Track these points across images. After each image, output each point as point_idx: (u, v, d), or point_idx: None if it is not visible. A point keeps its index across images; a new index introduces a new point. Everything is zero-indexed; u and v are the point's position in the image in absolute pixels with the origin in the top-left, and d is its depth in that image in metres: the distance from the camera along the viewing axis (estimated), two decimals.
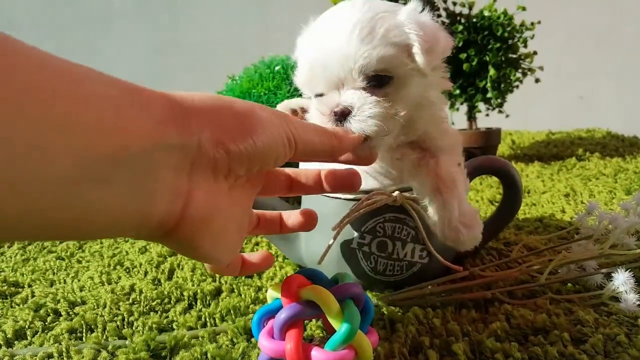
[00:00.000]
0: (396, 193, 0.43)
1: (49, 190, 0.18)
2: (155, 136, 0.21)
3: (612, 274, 0.42)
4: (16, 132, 0.16)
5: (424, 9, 0.39)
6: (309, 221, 0.37)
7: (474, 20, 0.89)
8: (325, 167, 0.36)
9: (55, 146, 0.17)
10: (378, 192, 0.43)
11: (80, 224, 0.20)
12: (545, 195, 0.76)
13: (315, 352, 0.30)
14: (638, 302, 0.40)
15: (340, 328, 0.30)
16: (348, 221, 0.43)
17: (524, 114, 1.37)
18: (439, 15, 0.95)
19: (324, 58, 0.36)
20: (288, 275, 0.50)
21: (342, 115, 0.34)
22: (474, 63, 0.87)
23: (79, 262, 0.58)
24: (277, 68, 0.74)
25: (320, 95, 0.38)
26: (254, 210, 0.36)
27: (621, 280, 0.41)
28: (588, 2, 1.65)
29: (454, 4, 0.95)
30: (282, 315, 0.31)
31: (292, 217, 0.37)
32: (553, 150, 1.10)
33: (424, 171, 0.40)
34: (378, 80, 0.35)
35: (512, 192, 0.50)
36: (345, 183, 0.35)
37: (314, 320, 0.40)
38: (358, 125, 0.34)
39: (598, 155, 1.01)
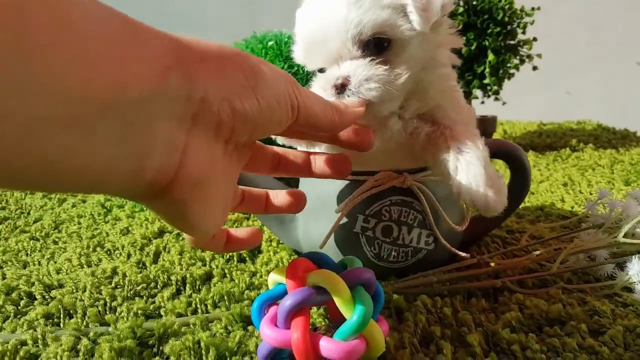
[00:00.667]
0: (404, 174, 0.40)
1: (24, 132, 0.15)
2: (156, 82, 0.18)
3: (624, 265, 0.41)
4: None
5: None
6: (298, 202, 0.35)
7: (474, 2, 0.86)
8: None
9: (35, 82, 0.14)
10: (385, 173, 0.40)
11: (62, 175, 0.17)
12: (543, 184, 0.75)
13: (324, 342, 0.27)
14: None
15: (352, 316, 0.27)
16: (353, 203, 0.40)
17: (516, 104, 1.36)
18: None
19: (319, 31, 0.34)
20: (283, 260, 0.47)
21: (342, 88, 0.33)
22: (472, 47, 0.84)
23: (55, 242, 0.53)
24: (270, 43, 0.70)
25: (322, 70, 0.36)
26: (239, 186, 0.33)
27: (636, 270, 0.40)
28: None
29: None
30: (287, 302, 0.28)
31: (279, 196, 0.35)
32: (546, 141, 1.09)
33: (440, 142, 0.37)
34: (376, 46, 0.33)
35: (520, 177, 0.48)
36: (336, 167, 0.33)
37: (314, 307, 0.37)
38: (356, 94, 0.32)
39: (592, 147, 1.01)
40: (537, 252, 0.45)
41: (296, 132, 0.33)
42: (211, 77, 0.21)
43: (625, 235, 0.45)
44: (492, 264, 0.44)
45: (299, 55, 0.37)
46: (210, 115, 0.21)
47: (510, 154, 0.47)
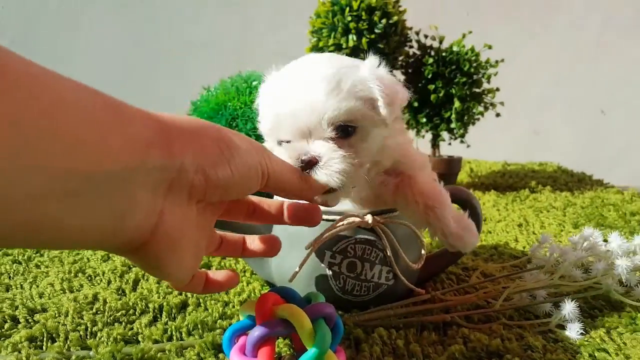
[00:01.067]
0: (368, 216, 0.45)
1: (16, 208, 0.18)
2: (138, 156, 0.22)
3: (560, 304, 0.46)
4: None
5: (380, 63, 0.42)
6: (272, 247, 0.39)
7: (443, 54, 0.94)
8: None
9: (26, 162, 0.17)
10: (352, 214, 0.45)
11: (48, 237, 0.20)
12: (500, 224, 0.81)
13: None
14: (581, 331, 0.44)
15: (312, 349, 0.31)
16: (322, 241, 0.44)
17: (483, 144, 1.44)
18: (411, 47, 1.00)
19: (293, 108, 0.37)
20: (255, 291, 0.51)
21: (309, 164, 0.36)
22: (440, 94, 0.91)
23: (38, 267, 0.56)
24: (254, 83, 0.75)
25: (287, 142, 0.39)
26: (218, 232, 0.37)
27: (568, 309, 0.45)
28: (546, 42, 1.77)
29: (426, 36, 1.00)
30: (255, 333, 0.32)
31: (255, 242, 0.39)
32: (509, 181, 1.17)
33: (407, 192, 0.42)
34: (344, 131, 0.38)
35: (474, 220, 0.53)
36: (306, 217, 0.37)
37: (281, 338, 0.41)
38: (324, 177, 0.36)
39: (549, 189, 1.08)
40: (483, 290, 0.50)
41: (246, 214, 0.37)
42: (188, 149, 0.24)
43: (562, 277, 0.50)
44: (448, 300, 0.49)
45: (267, 127, 0.40)
46: (186, 181, 0.25)
47: (465, 201, 0.52)
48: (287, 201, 0.38)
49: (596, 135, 1.80)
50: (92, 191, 0.20)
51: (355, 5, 0.86)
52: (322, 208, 0.45)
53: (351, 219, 0.45)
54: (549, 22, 1.75)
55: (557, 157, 1.47)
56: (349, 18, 0.87)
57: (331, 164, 0.36)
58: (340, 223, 0.45)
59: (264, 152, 0.30)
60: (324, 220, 0.45)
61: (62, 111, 0.19)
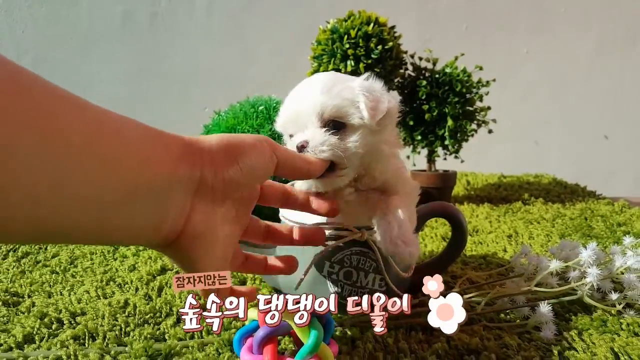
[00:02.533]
0: (362, 230, 0.52)
1: (92, 209, 0.25)
2: (174, 170, 0.30)
3: (536, 307, 0.51)
4: (77, 168, 0.24)
5: (371, 77, 0.49)
6: (290, 266, 0.47)
7: (437, 76, 1.01)
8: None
9: (102, 177, 0.25)
10: (348, 230, 0.52)
11: (110, 234, 0.27)
12: (490, 235, 0.87)
13: None
14: (555, 332, 0.50)
15: (307, 341, 0.38)
16: (322, 252, 0.51)
17: (482, 157, 1.51)
18: (406, 69, 1.06)
19: (296, 107, 0.46)
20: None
21: (302, 149, 0.44)
22: (434, 114, 0.98)
23: (73, 276, 0.63)
24: (260, 108, 0.82)
25: (292, 136, 0.47)
26: (244, 251, 0.44)
27: (541, 312, 0.50)
28: (543, 59, 1.83)
29: (420, 59, 1.07)
30: (260, 333, 0.39)
31: (275, 261, 0.47)
32: (503, 193, 1.22)
33: (377, 209, 0.48)
34: (334, 126, 0.45)
35: (459, 233, 0.59)
36: (311, 237, 0.46)
37: (286, 337, 0.47)
38: (312, 152, 0.43)
39: (542, 201, 1.14)
40: (468, 296, 0.56)
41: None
42: (207, 161, 0.32)
43: (538, 284, 0.56)
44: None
45: (279, 124, 0.49)
46: (206, 186, 0.32)
47: (450, 215, 0.59)
48: (295, 227, 0.46)
49: (595, 148, 1.86)
50: (145, 197, 0.27)
51: (353, 33, 0.93)
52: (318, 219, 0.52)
53: (347, 233, 0.51)
54: (546, 36, 1.82)
55: (555, 169, 1.52)
56: (347, 45, 0.94)
57: (316, 142, 0.43)
58: (339, 238, 0.51)
59: (272, 144, 0.38)
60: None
61: (125, 140, 0.27)
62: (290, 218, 0.52)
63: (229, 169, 0.33)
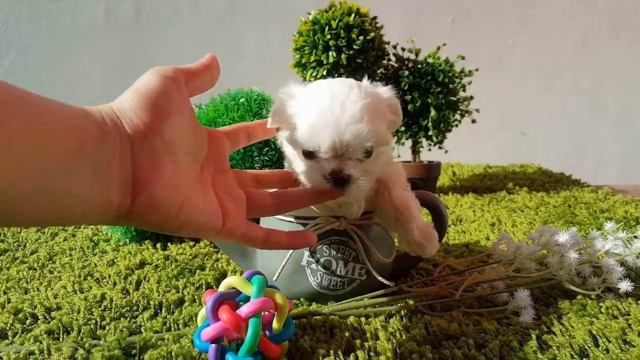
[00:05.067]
0: (341, 219, 0.52)
1: (37, 177, 0.25)
2: (100, 135, 0.29)
3: (514, 293, 0.52)
4: (19, 141, 0.24)
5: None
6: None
7: (419, 66, 1.01)
8: None
9: (41, 146, 0.25)
10: (325, 218, 0.51)
11: (61, 207, 0.27)
12: (474, 223, 0.87)
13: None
14: (533, 317, 0.50)
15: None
16: None
17: (469, 149, 1.51)
18: (389, 60, 1.06)
19: (334, 129, 0.41)
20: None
21: (342, 181, 0.43)
22: (417, 104, 0.98)
23: (51, 272, 0.62)
24: (241, 100, 0.81)
25: (311, 152, 0.43)
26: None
27: (520, 297, 0.51)
28: (530, 50, 1.84)
29: (403, 49, 1.07)
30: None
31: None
32: (487, 183, 1.23)
33: (382, 202, 0.50)
34: (367, 152, 0.44)
35: (439, 221, 0.59)
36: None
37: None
38: (354, 192, 0.44)
39: (526, 190, 1.14)
40: (447, 282, 0.56)
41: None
42: (128, 119, 0.31)
43: (517, 270, 0.56)
44: (412, 291, 0.55)
45: (300, 133, 0.43)
46: (138, 141, 0.31)
47: (431, 203, 0.59)
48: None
49: (581, 139, 1.87)
50: (81, 165, 0.27)
51: (334, 24, 0.93)
52: (300, 213, 0.52)
53: (325, 222, 0.51)
54: (532, 27, 1.83)
55: (542, 160, 1.53)
56: (329, 36, 0.94)
57: (360, 182, 0.43)
58: (316, 226, 0.51)
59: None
60: (301, 223, 0.52)
61: (58, 119, 0.27)
62: None
63: (155, 138, 0.31)
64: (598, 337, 0.45)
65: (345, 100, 0.42)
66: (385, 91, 0.48)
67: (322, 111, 0.42)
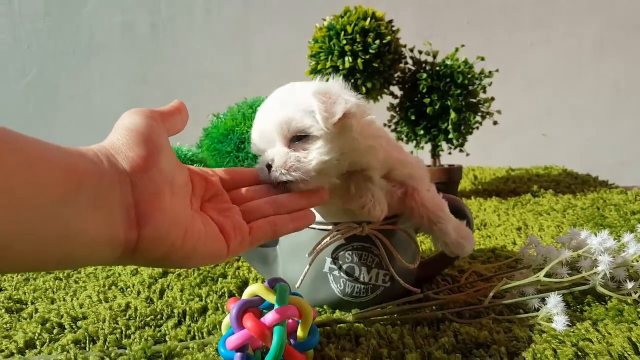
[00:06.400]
0: (363, 224, 0.51)
1: (39, 214, 0.25)
2: (97, 173, 0.29)
3: (546, 299, 0.50)
4: (19, 176, 0.25)
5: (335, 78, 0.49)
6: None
7: (437, 68, 0.99)
8: None
9: (41, 183, 0.25)
10: (347, 223, 0.51)
11: (65, 246, 0.27)
12: (499, 228, 0.85)
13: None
14: (567, 323, 0.48)
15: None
16: (322, 248, 0.50)
17: (489, 151, 1.49)
18: (406, 63, 1.05)
19: (261, 127, 0.46)
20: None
21: (269, 167, 0.44)
22: (436, 107, 0.97)
23: (76, 282, 0.63)
24: (259, 108, 0.81)
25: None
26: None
27: (552, 303, 0.49)
28: (548, 50, 1.81)
29: (420, 52, 1.06)
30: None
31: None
32: (511, 186, 1.20)
33: (412, 206, 0.50)
34: (298, 137, 0.44)
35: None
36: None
37: None
38: (275, 174, 0.43)
39: (551, 192, 1.11)
40: (475, 289, 0.55)
41: None
42: (123, 156, 0.31)
43: (548, 275, 0.55)
44: (439, 298, 0.54)
45: (253, 139, 0.48)
46: (138, 176, 0.31)
47: (454, 206, 0.57)
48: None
49: (603, 139, 1.83)
50: (82, 197, 0.27)
51: (349, 29, 0.93)
52: (321, 219, 0.51)
53: (347, 228, 0.50)
54: (550, 27, 1.80)
55: (565, 162, 1.50)
56: (344, 41, 0.94)
57: (278, 163, 0.43)
58: (337, 232, 0.50)
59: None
60: (322, 230, 0.51)
61: (54, 163, 0.27)
62: None
63: (144, 174, 0.32)
64: (638, 343, 0.43)
65: (270, 102, 0.47)
66: (317, 83, 0.48)
67: (257, 118, 0.48)
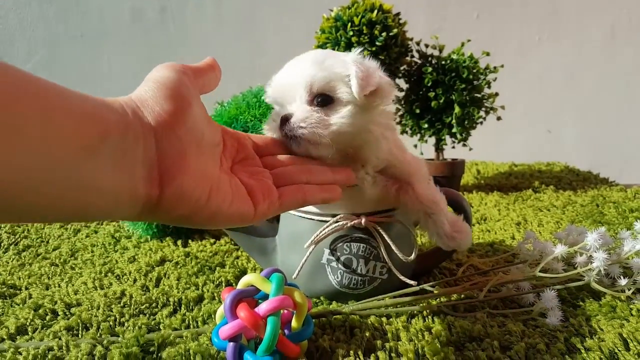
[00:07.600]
0: (361, 217, 0.50)
1: (56, 166, 0.24)
2: (122, 125, 0.28)
3: (541, 294, 0.50)
4: (32, 126, 0.23)
5: (363, 55, 0.48)
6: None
7: (443, 62, 0.98)
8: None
9: (59, 134, 0.24)
10: (346, 215, 0.50)
11: (84, 200, 0.26)
12: (499, 222, 0.84)
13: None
14: (561, 318, 0.48)
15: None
16: (320, 239, 0.50)
17: (494, 147, 1.48)
18: (412, 56, 1.04)
19: (286, 79, 0.45)
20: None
21: (285, 120, 0.43)
22: (441, 101, 0.96)
23: (72, 268, 0.63)
24: (263, 97, 0.80)
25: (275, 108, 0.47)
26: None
27: (547, 298, 0.49)
28: (556, 45, 1.79)
29: (426, 46, 1.05)
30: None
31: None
32: (513, 182, 1.20)
33: (407, 200, 0.49)
34: (323, 101, 0.44)
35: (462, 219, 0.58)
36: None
37: None
38: (291, 126, 0.43)
39: (552, 188, 1.11)
40: (471, 282, 0.55)
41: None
42: (149, 110, 0.30)
43: (543, 270, 0.54)
44: (435, 291, 0.54)
45: (269, 94, 0.47)
46: (163, 130, 0.30)
47: (453, 200, 0.57)
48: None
49: (609, 136, 1.81)
50: (104, 149, 0.26)
51: (356, 20, 0.92)
52: (320, 210, 0.51)
53: (345, 219, 0.50)
54: (559, 22, 1.78)
55: (569, 158, 1.49)
56: (351, 33, 0.93)
57: (298, 117, 0.43)
58: (336, 224, 0.50)
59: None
60: (320, 221, 0.51)
61: (83, 110, 0.26)
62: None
63: (173, 133, 0.30)
64: (629, 340, 0.43)
65: (301, 59, 0.46)
66: (355, 53, 0.47)
67: (280, 72, 0.47)
